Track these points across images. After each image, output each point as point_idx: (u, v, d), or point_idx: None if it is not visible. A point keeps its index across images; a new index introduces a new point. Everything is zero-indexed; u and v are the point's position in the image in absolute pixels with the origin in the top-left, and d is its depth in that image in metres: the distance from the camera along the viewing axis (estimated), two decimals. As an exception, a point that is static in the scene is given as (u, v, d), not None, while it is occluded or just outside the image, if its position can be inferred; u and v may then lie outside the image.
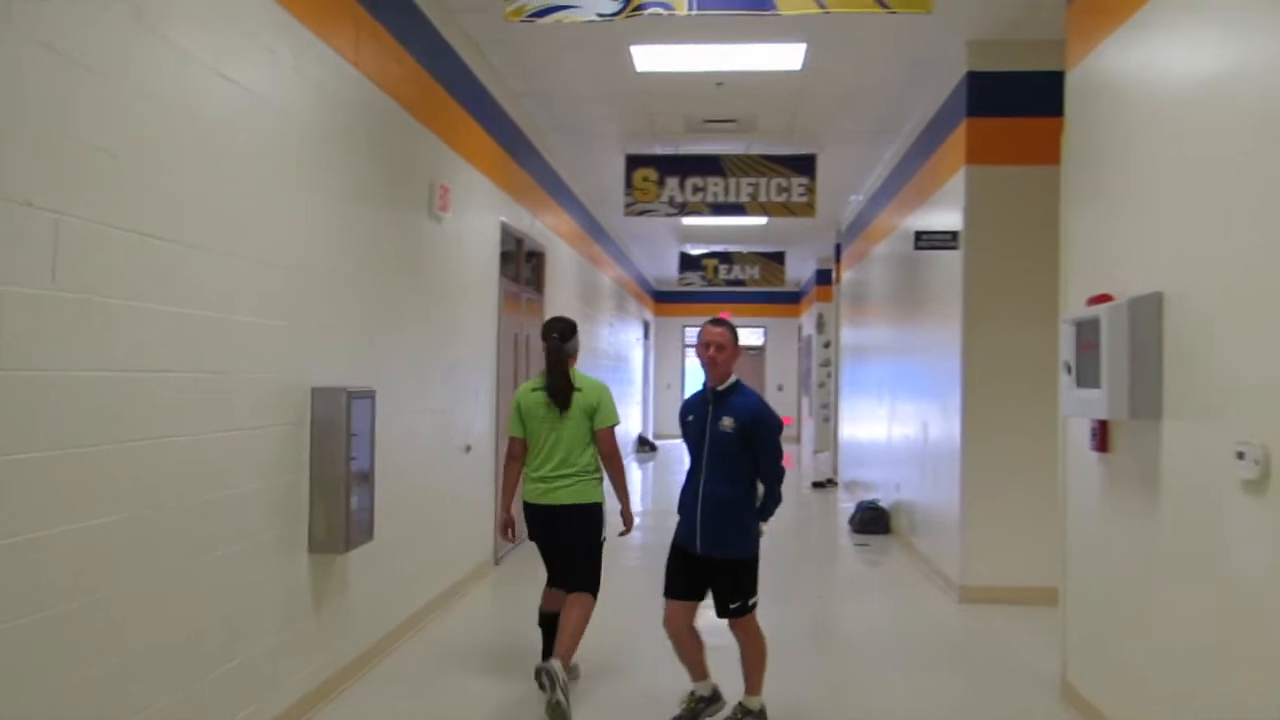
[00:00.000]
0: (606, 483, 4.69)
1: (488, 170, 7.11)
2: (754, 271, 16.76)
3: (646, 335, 21.14)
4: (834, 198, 11.44)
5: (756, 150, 9.46)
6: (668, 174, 9.38)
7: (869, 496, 10.20)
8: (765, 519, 4.10)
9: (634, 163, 9.41)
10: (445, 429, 6.15)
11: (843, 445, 14.24)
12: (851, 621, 6.70)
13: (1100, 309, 3.87)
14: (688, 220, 12.25)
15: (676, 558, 4.11)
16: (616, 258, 15.48)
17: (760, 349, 23.94)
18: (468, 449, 6.60)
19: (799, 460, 17.81)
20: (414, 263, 5.58)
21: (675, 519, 4.16)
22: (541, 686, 4.34)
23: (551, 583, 4.74)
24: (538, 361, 8.99)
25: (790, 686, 4.68)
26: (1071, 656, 4.61)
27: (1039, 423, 5.95)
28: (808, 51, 6.71)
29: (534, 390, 4.66)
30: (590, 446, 4.59)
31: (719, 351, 4.03)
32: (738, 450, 3.98)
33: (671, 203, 9.44)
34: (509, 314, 7.81)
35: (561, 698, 4.15)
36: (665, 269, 18.94)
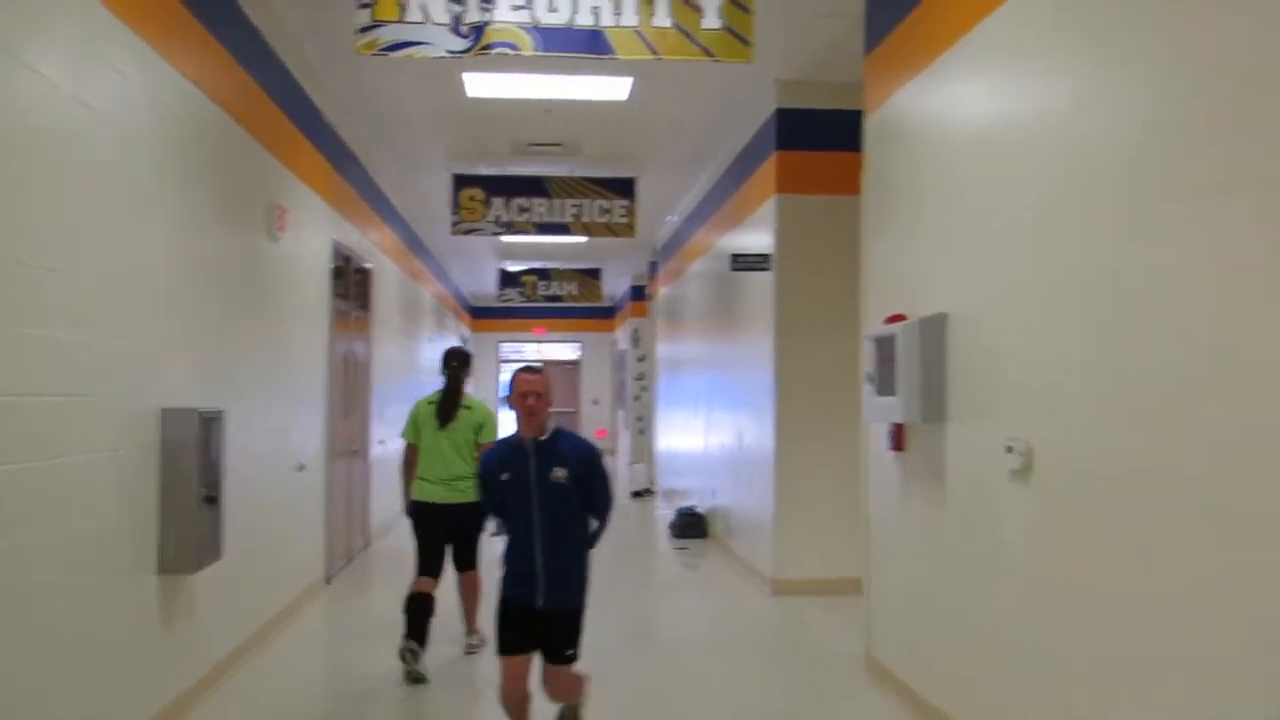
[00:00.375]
0: None
1: (320, 189, 7.15)
2: (572, 288, 17.19)
3: (464, 351, 21.15)
4: (651, 218, 11.99)
5: (580, 173, 9.84)
6: (494, 194, 9.63)
7: (687, 503, 10.74)
8: (593, 546, 3.97)
9: (461, 182, 9.60)
10: (282, 448, 6.16)
11: (660, 456, 14.81)
12: (673, 619, 7.15)
13: (896, 327, 4.45)
14: (508, 238, 12.51)
15: (510, 611, 3.83)
16: (437, 274, 15.52)
17: (576, 363, 24.39)
18: (301, 468, 6.61)
19: (616, 472, 18.31)
20: (254, 283, 5.60)
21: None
22: (403, 659, 5.06)
23: (424, 572, 5.42)
24: (365, 380, 9.08)
25: (616, 681, 5.04)
26: (875, 633, 5.20)
27: (843, 428, 6.61)
28: (634, 85, 7.15)
29: (430, 404, 5.62)
30: (473, 456, 5.38)
31: (538, 401, 3.75)
32: (573, 498, 3.80)
33: (498, 222, 9.69)
34: (338, 332, 7.84)
35: (421, 670, 5.04)
36: (484, 285, 19.06)
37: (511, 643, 3.83)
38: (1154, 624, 2.82)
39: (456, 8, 4.54)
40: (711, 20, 4.66)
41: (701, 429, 10.56)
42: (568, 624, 3.87)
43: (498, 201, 9.67)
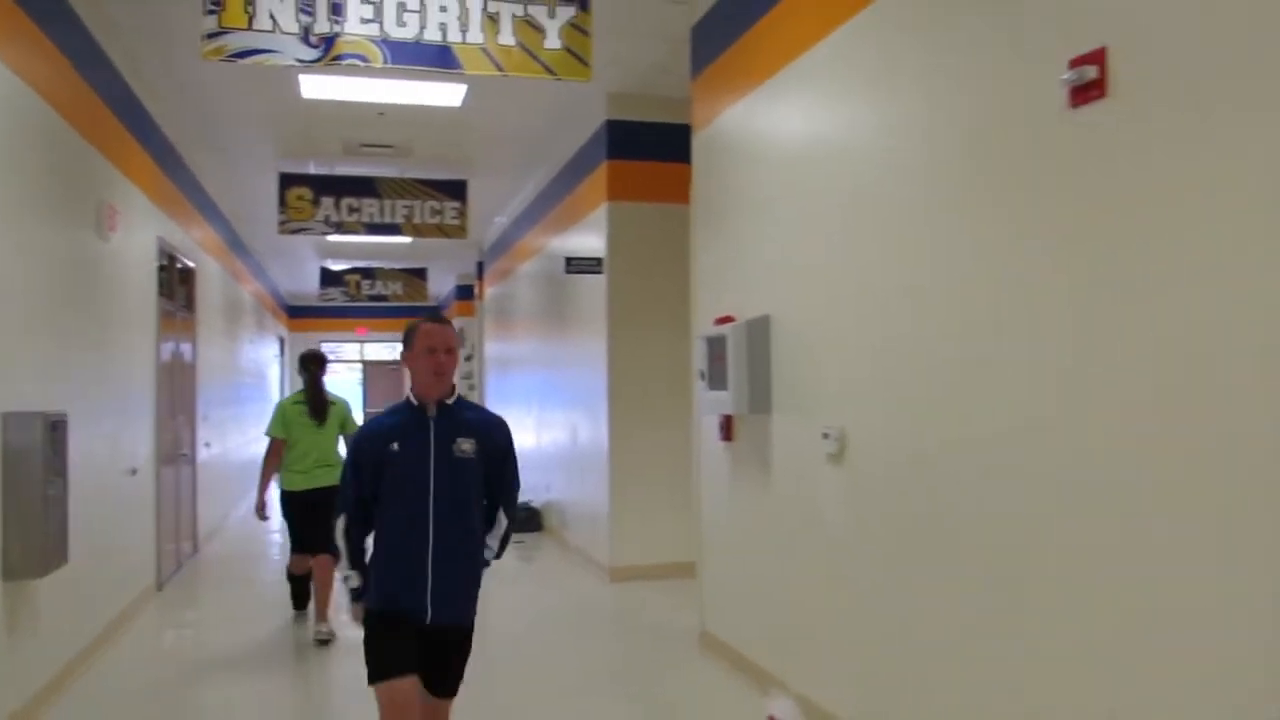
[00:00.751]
0: None
1: (146, 187, 6.98)
2: (397, 287, 17.01)
3: (282, 352, 20.53)
4: (480, 219, 12.14)
5: (411, 174, 9.91)
6: (323, 194, 9.55)
7: (520, 498, 10.97)
8: (501, 552, 3.29)
9: (288, 181, 9.46)
10: (115, 452, 6.02)
11: (490, 453, 14.93)
12: (511, 608, 7.40)
13: (726, 328, 4.90)
14: (331, 237, 12.36)
15: (390, 626, 3.06)
16: (255, 273, 15.09)
17: (399, 363, 24.06)
18: (133, 472, 6.47)
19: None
20: (87, 283, 5.48)
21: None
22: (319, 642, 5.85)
23: (296, 550, 6.25)
24: (191, 383, 8.86)
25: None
26: (707, 609, 5.66)
27: (675, 422, 7.07)
28: (468, 91, 7.36)
29: (295, 404, 6.18)
30: (338, 445, 6.14)
31: (449, 356, 3.13)
32: (478, 479, 3.14)
33: (327, 221, 9.60)
34: (165, 333, 7.65)
35: (325, 630, 5.84)
36: (304, 284, 18.59)
37: (394, 662, 3.00)
38: (931, 580, 3.35)
39: (306, 18, 4.65)
40: (553, 41, 4.98)
41: (534, 426, 10.83)
42: (460, 646, 3.20)
43: (327, 201, 9.59)
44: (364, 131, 8.70)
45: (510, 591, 8.04)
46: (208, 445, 9.58)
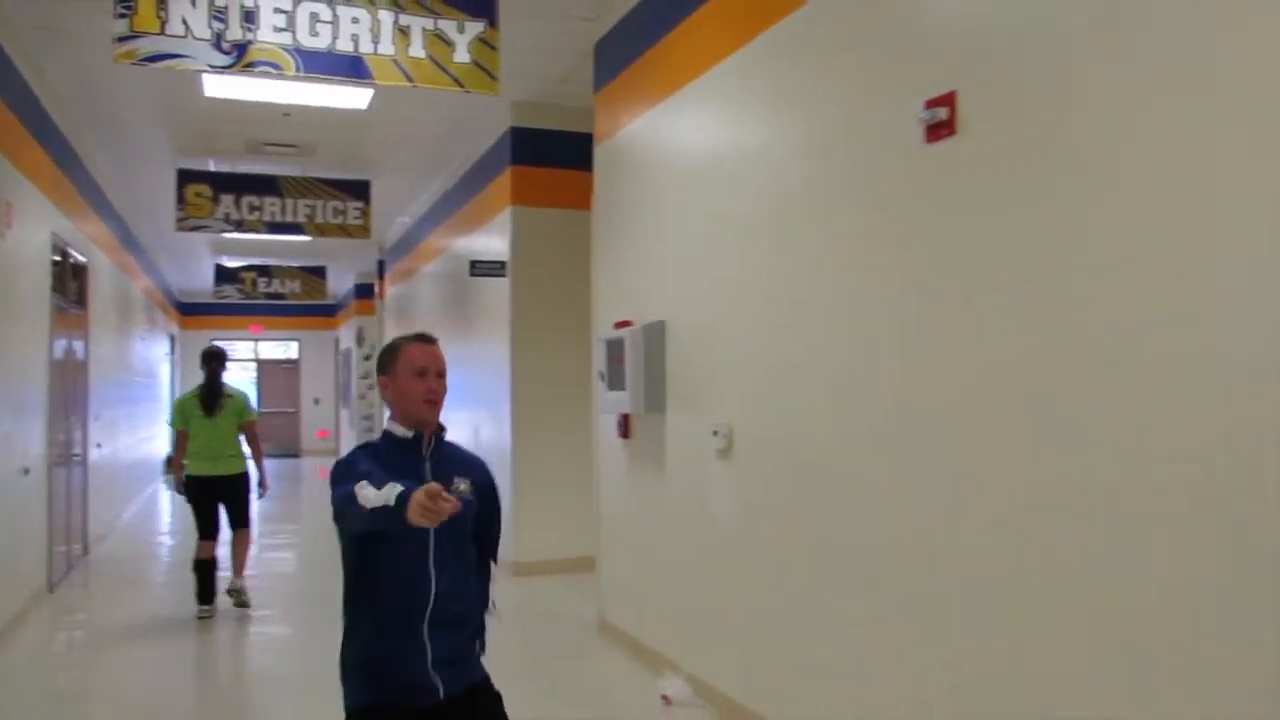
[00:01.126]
0: None
1: (40, 183, 6.89)
2: (295, 285, 16.79)
3: (173, 350, 20.02)
4: (382, 218, 12.16)
5: (314, 174, 9.92)
6: (223, 191, 9.48)
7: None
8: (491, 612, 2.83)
9: (186, 177, 9.38)
10: (9, 451, 5.97)
11: (390, 453, 14.91)
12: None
13: (624, 332, 5.19)
14: (227, 234, 12.22)
15: None
16: (146, 269, 14.73)
17: (295, 362, 23.70)
18: (26, 472, 6.40)
19: (343, 471, 18.13)
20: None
21: None
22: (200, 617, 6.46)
23: (203, 537, 6.55)
24: (84, 381, 8.71)
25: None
26: (606, 599, 5.94)
27: (576, 420, 7.32)
28: (374, 95, 7.47)
29: (194, 397, 6.72)
30: (237, 434, 6.69)
31: (440, 380, 2.64)
32: (470, 524, 2.62)
33: (227, 219, 9.54)
34: (58, 330, 7.54)
35: (238, 591, 6.59)
36: (197, 281, 18.21)
37: None
38: (807, 570, 3.70)
39: (219, 25, 4.75)
40: (462, 55, 5.18)
41: (436, 425, 10.90)
42: (495, 709, 2.67)
43: (227, 199, 9.52)
44: (268, 131, 8.71)
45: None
46: (99, 446, 9.41)
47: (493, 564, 2.83)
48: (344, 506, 2.36)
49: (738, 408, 4.32)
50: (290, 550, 10.22)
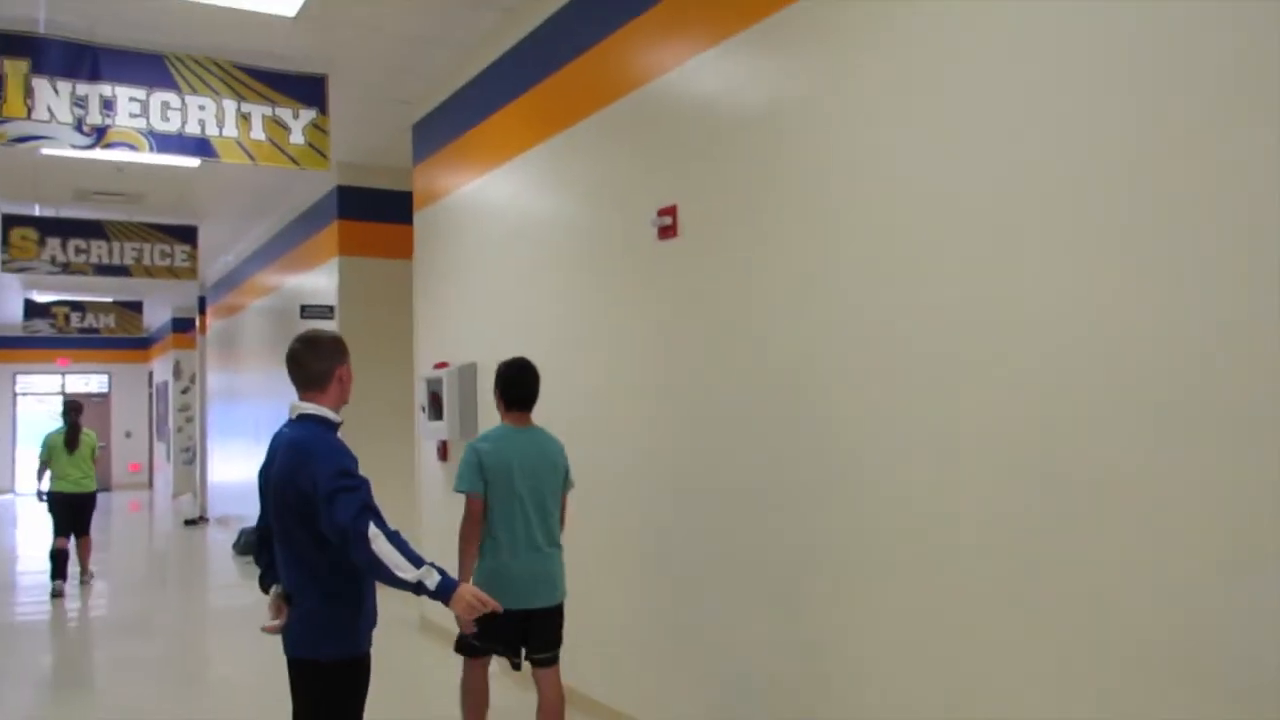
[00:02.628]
0: None
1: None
2: (109, 320, 16.70)
3: (-29, 385, 19.32)
4: (206, 256, 12.63)
5: (141, 219, 10.38)
6: (49, 234, 9.81)
7: (250, 525, 11.59)
8: None
9: (11, 221, 9.69)
10: None
11: (213, 485, 15.19)
12: (246, 609, 8.24)
13: (442, 372, 6.20)
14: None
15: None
16: (-50, 304, 14.47)
17: (105, 396, 23.12)
18: None
19: (152, 505, 18.07)
20: None
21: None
22: (53, 595, 8.74)
23: (58, 535, 9.06)
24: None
25: (203, 671, 6.21)
26: (427, 601, 6.87)
27: (398, 446, 8.21)
28: (208, 154, 8.18)
29: (59, 436, 9.08)
30: (91, 463, 9.19)
31: None
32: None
33: (54, 262, 9.88)
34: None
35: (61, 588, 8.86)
36: (2, 314, 17.78)
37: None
38: (612, 576, 4.82)
39: (80, 111, 5.49)
40: (297, 137, 6.08)
41: (260, 453, 11.46)
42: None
43: (53, 242, 9.85)
44: (99, 182, 9.21)
45: (244, 595, 8.84)
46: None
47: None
48: (372, 518, 2.83)
49: (532, 433, 5.41)
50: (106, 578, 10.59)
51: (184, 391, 17.57)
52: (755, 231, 3.76)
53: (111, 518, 16.82)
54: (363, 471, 2.94)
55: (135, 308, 16.79)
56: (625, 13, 4.52)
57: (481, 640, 3.86)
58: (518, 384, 3.99)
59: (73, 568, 9.25)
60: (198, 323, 16.06)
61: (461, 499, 3.97)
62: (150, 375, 22.41)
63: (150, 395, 22.38)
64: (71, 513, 9.14)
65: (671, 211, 4.22)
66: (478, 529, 3.94)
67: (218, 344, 14.64)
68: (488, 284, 6.01)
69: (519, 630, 3.86)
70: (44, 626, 8.00)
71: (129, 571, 11.17)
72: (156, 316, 19.45)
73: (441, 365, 6.37)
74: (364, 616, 3.05)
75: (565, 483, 4.07)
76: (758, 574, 3.75)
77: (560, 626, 3.97)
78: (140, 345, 22.41)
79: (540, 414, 4.11)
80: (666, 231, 4.25)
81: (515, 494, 3.84)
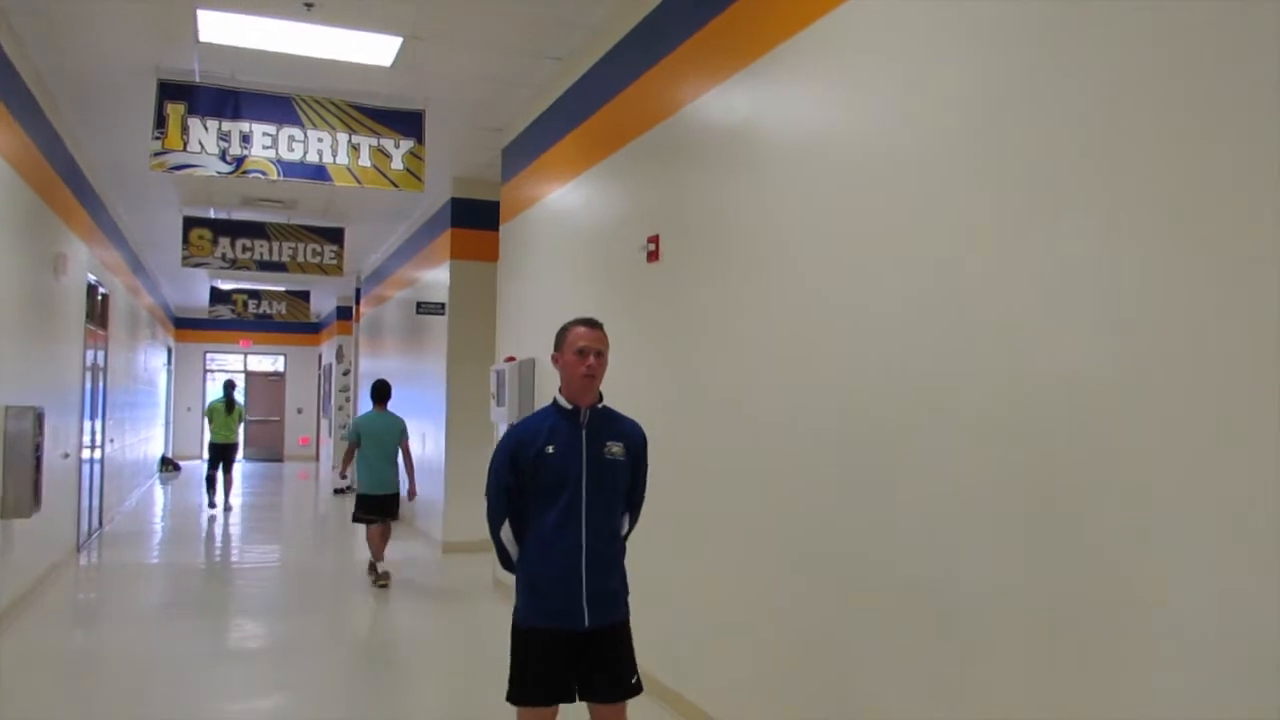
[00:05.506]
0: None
1: (81, 235, 8.95)
2: (281, 307, 18.79)
3: (170, 360, 22.01)
4: (357, 252, 14.26)
5: (296, 221, 11.98)
6: (221, 234, 11.54)
7: (381, 493, 13.07)
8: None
9: (190, 223, 11.44)
10: (56, 439, 7.99)
11: (360, 457, 16.91)
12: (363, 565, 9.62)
13: (507, 365, 7.25)
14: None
15: (546, 648, 3.06)
16: (150, 290, 16.76)
17: (281, 375, 25.67)
18: (66, 456, 8.42)
19: (317, 475, 20.12)
20: (46, 311, 7.50)
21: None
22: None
23: (212, 468, 13.33)
24: (104, 389, 10.73)
25: (305, 615, 7.49)
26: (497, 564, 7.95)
27: (491, 429, 9.35)
28: (343, 171, 9.54)
29: (219, 403, 13.95)
30: (238, 425, 12.63)
31: (599, 360, 3.19)
32: (626, 481, 3.23)
33: (224, 258, 11.60)
34: (89, 346, 9.58)
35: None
36: (193, 298, 20.20)
37: (542, 691, 3.06)
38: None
39: (223, 144, 6.81)
40: (398, 164, 7.25)
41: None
42: (621, 643, 3.15)
43: (224, 241, 11.58)
44: (260, 190, 10.79)
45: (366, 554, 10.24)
46: (112, 441, 11.42)
47: (635, 514, 3.36)
48: (499, 511, 3.14)
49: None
50: (268, 529, 12.24)
51: (345, 374, 19.49)
52: (717, 262, 4.58)
53: (283, 484, 18.93)
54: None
55: (304, 296, 18.79)
56: (629, 76, 5.42)
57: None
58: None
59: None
60: (354, 311, 17.85)
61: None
62: (319, 357, 24.73)
63: (319, 376, 24.70)
64: (223, 454, 13.75)
65: (655, 240, 5.07)
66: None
67: (367, 332, 16.33)
68: (545, 291, 7.01)
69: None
70: (219, 569, 9.56)
71: (287, 526, 12.85)
72: (324, 304, 21.57)
73: (509, 359, 7.42)
74: (526, 587, 3.24)
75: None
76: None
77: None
78: (311, 330, 24.76)
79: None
80: (651, 256, 5.11)
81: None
